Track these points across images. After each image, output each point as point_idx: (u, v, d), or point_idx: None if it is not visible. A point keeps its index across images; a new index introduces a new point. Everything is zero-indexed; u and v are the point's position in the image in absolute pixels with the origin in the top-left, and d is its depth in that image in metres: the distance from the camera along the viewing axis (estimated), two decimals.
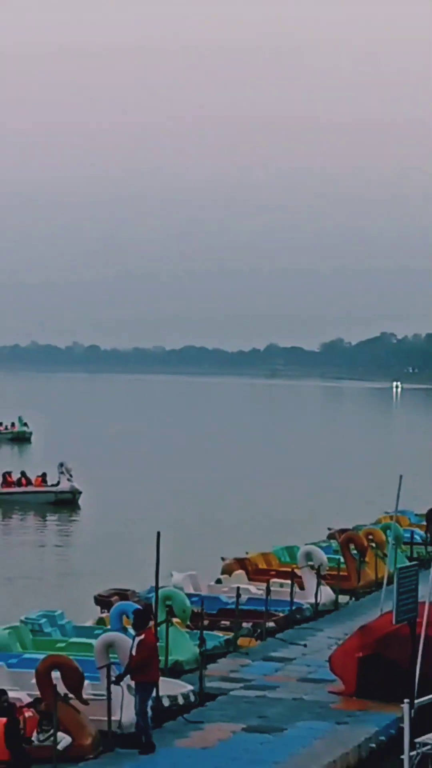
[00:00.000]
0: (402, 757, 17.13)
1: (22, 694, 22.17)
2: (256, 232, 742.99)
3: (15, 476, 71.43)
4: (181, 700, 24.06)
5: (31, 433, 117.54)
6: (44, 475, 70.71)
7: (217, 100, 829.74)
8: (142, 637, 21.70)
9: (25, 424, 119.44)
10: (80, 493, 68.78)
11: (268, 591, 32.60)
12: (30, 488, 70.05)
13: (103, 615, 30.32)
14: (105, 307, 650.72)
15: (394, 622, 23.44)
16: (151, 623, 23.40)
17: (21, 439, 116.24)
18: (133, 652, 21.56)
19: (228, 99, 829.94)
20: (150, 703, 21.66)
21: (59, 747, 20.34)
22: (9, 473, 71.76)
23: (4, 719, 16.32)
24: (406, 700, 17.49)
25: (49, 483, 69.91)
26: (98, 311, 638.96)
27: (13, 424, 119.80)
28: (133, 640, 21.89)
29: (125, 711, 21.89)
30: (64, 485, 69.15)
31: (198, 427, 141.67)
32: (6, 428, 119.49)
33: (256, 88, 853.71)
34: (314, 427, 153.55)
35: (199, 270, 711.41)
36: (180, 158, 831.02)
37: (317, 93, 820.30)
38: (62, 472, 69.70)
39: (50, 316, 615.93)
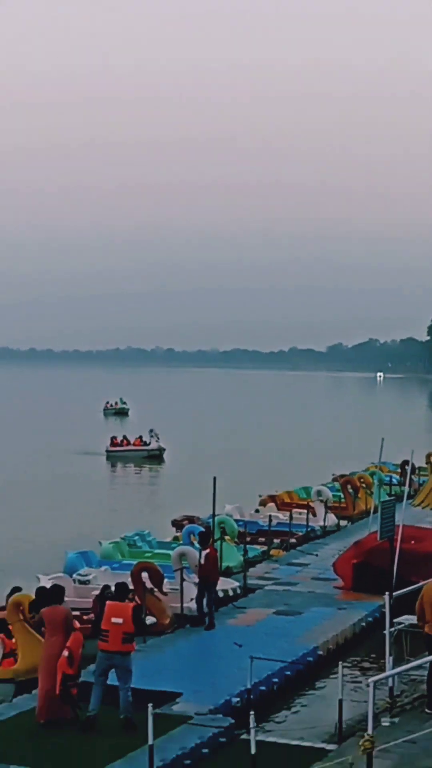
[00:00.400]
0: (384, 632, 16.95)
1: None
2: (286, 261, 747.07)
3: (119, 439, 71.71)
4: (231, 593, 23.95)
5: (128, 409, 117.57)
6: (140, 437, 70.84)
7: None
8: (208, 551, 21.57)
9: (125, 403, 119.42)
10: (164, 450, 68.88)
11: (291, 517, 32.51)
12: (130, 447, 70.19)
13: (177, 534, 30.28)
14: (178, 320, 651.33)
15: (378, 539, 23.11)
16: (211, 540, 23.32)
17: (122, 413, 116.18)
18: (202, 562, 21.43)
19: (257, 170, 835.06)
20: (212, 596, 21.60)
21: (147, 624, 20.33)
22: (115, 437, 72.02)
23: (132, 604, 16.42)
24: (386, 593, 17.33)
25: (143, 443, 70.22)
26: (173, 323, 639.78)
27: (116, 403, 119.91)
28: (200, 552, 21.78)
29: (192, 601, 21.84)
30: (154, 445, 69.28)
31: (242, 404, 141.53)
32: (111, 405, 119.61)
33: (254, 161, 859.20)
34: (322, 403, 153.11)
35: (243, 290, 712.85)
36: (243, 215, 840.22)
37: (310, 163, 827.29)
38: (152, 436, 69.85)
39: (140, 327, 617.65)
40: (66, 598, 17.37)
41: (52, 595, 16.26)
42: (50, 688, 15.42)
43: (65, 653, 15.39)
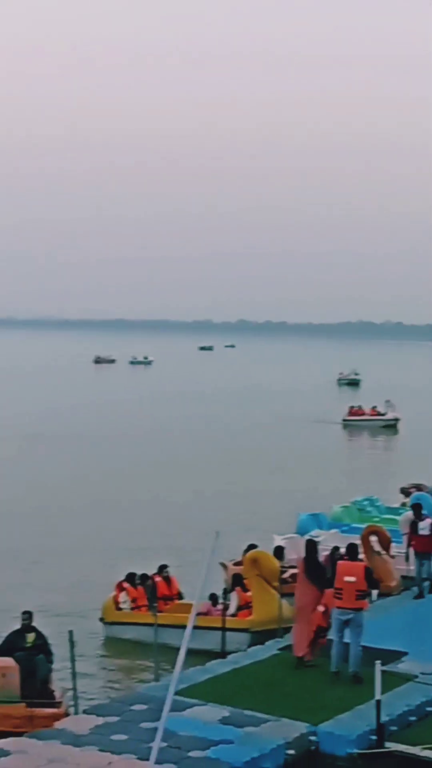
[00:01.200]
0: None
1: None
2: None
3: (355, 408, 71.33)
4: None
5: (360, 380, 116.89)
6: (375, 407, 70.43)
7: None
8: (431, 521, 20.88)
9: (357, 374, 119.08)
10: (399, 420, 68.20)
11: None
12: (366, 417, 69.86)
13: (405, 500, 29.89)
14: (408, 293, 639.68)
15: None
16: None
17: (354, 383, 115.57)
18: (426, 533, 20.51)
19: None
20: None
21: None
22: (353, 407, 71.72)
23: (363, 563, 16.56)
24: None
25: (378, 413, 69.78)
26: (403, 297, 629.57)
27: (349, 373, 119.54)
28: (416, 523, 20.81)
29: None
30: (389, 415, 68.84)
31: None
32: (344, 376, 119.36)
33: None
34: None
35: None
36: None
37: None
38: (388, 406, 69.37)
39: (370, 300, 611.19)
40: (297, 557, 17.57)
41: (309, 550, 16.51)
42: (305, 632, 15.81)
43: (321, 608, 15.71)
